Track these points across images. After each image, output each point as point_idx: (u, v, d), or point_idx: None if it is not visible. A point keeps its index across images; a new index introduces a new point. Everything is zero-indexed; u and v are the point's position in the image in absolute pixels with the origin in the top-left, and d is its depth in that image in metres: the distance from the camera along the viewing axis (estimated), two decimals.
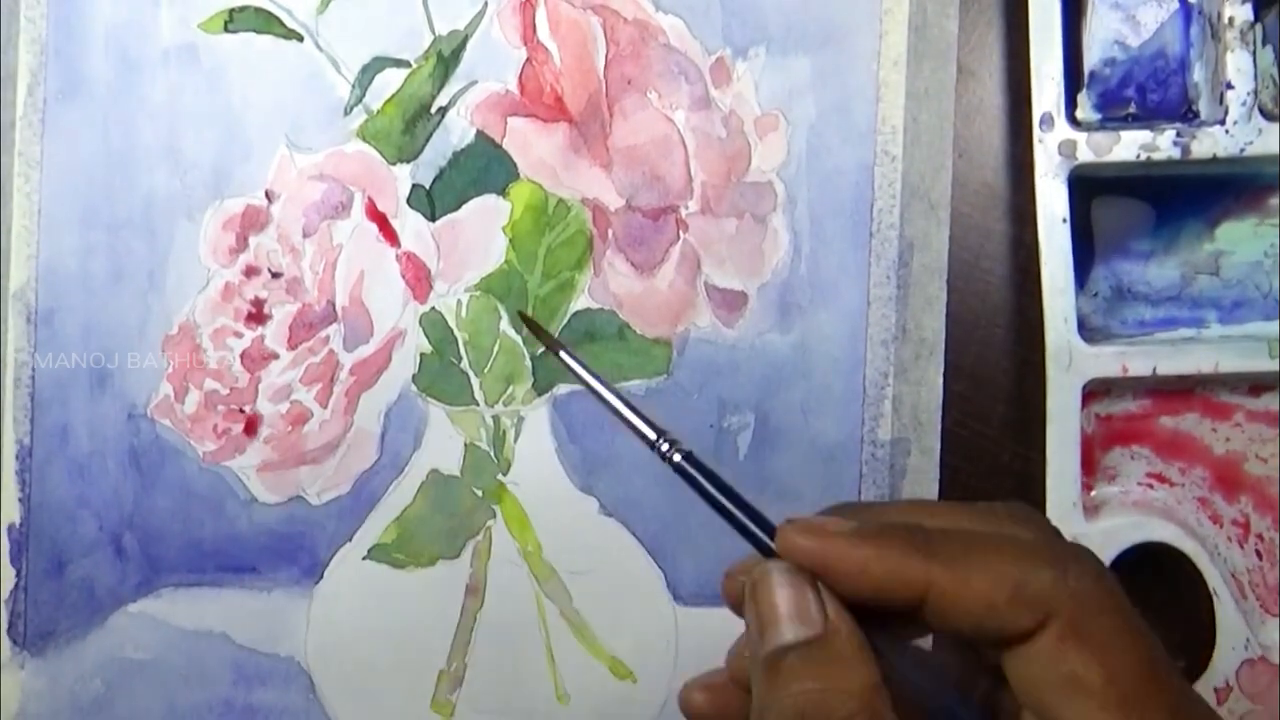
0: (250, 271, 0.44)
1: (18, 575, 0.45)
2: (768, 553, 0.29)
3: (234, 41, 0.45)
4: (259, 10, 0.44)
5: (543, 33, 0.43)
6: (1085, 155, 0.39)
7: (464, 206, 0.43)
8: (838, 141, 0.42)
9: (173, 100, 0.45)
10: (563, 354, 0.32)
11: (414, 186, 0.43)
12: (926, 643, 0.32)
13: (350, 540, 0.44)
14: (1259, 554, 0.41)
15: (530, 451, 0.43)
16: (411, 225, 0.44)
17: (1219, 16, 0.39)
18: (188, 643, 0.44)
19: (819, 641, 0.27)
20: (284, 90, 0.44)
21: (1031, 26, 0.40)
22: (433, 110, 0.43)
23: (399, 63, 0.44)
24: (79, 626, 0.45)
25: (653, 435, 0.31)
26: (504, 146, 0.43)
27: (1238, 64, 0.39)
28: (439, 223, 0.43)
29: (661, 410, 0.42)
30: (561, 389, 0.43)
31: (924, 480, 0.41)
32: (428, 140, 0.43)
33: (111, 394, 0.45)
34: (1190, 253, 0.42)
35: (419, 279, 0.44)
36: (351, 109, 0.44)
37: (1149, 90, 0.40)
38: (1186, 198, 0.41)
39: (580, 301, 0.43)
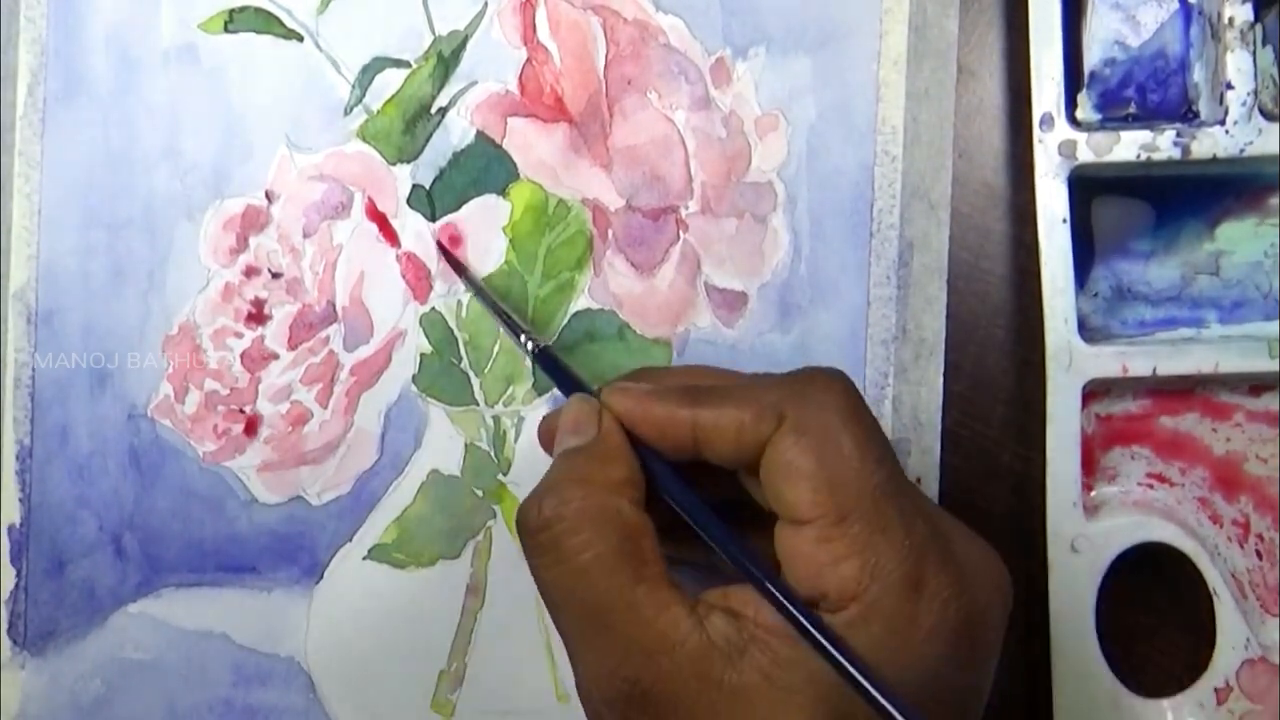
0: (250, 272, 0.44)
1: (18, 575, 0.45)
2: None
3: (234, 41, 0.45)
4: (259, 10, 0.44)
5: (543, 33, 0.43)
6: (1085, 155, 0.39)
7: (464, 207, 0.43)
8: (838, 141, 0.42)
9: (173, 100, 0.45)
10: (466, 276, 0.42)
11: (414, 187, 0.43)
12: None
13: (350, 540, 0.44)
14: (1259, 554, 0.41)
15: (530, 451, 0.43)
16: (411, 225, 0.44)
17: (1219, 16, 0.39)
18: (188, 643, 0.45)
19: (590, 444, 0.34)
20: (284, 90, 0.44)
21: (1031, 26, 0.40)
22: (433, 110, 0.43)
23: (399, 63, 0.44)
24: (79, 626, 0.45)
25: (523, 330, 0.39)
26: (504, 147, 0.43)
27: (1238, 64, 0.39)
28: (439, 223, 0.43)
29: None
30: None
31: (924, 480, 0.41)
32: (428, 140, 0.43)
33: (111, 394, 0.45)
34: (1190, 253, 0.42)
35: (419, 279, 0.44)
36: (351, 109, 0.44)
37: (1149, 90, 0.40)
38: (1186, 198, 0.41)
39: (580, 301, 0.43)
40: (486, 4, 0.43)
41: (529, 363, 0.43)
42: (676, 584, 0.32)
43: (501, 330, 0.42)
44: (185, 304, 0.45)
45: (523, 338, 0.39)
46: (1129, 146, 0.39)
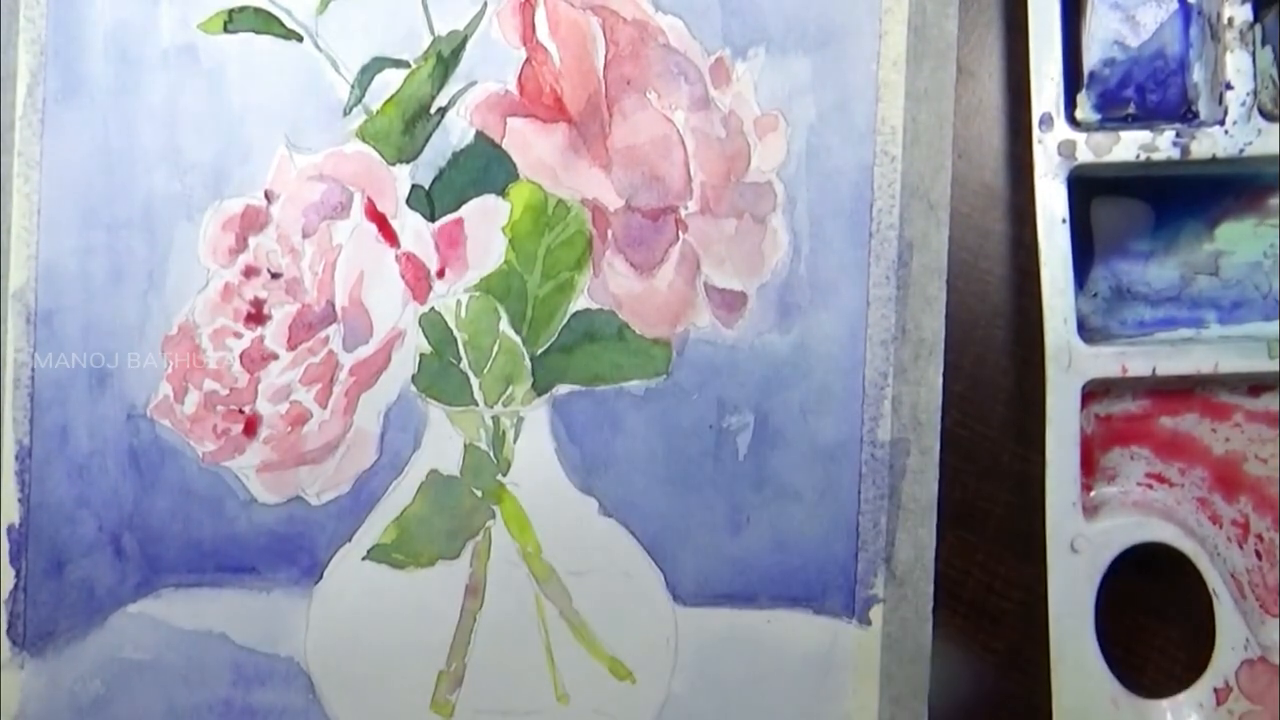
0: (250, 272, 0.44)
1: (17, 575, 0.45)
2: None
3: (234, 42, 0.45)
4: (259, 10, 0.44)
5: (542, 33, 0.43)
6: (1085, 155, 0.39)
7: (463, 206, 0.43)
8: (837, 141, 0.42)
9: (172, 100, 0.45)
10: None
11: (413, 187, 0.43)
12: None
13: (350, 540, 0.44)
14: (1259, 554, 0.41)
15: (530, 452, 0.43)
16: (411, 225, 0.44)
17: (1218, 17, 0.39)
18: (187, 643, 0.45)
19: None
20: (283, 90, 0.44)
21: (1031, 26, 0.40)
22: (432, 110, 0.43)
23: (399, 63, 0.44)
24: (79, 627, 0.45)
25: None
26: (503, 147, 0.43)
27: (1237, 64, 0.39)
28: (438, 223, 0.43)
29: (661, 411, 0.42)
30: (561, 389, 0.43)
31: (923, 480, 0.41)
32: (427, 140, 0.43)
33: (111, 394, 0.45)
34: (1190, 253, 0.42)
35: (418, 279, 0.44)
36: (351, 109, 0.44)
37: (1148, 90, 0.40)
38: (1186, 198, 0.41)
39: (580, 302, 0.43)
40: (486, 4, 0.43)
41: (528, 363, 0.43)
42: None
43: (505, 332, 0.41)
44: (185, 304, 0.45)
45: None
46: (1128, 146, 0.39)
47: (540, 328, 0.43)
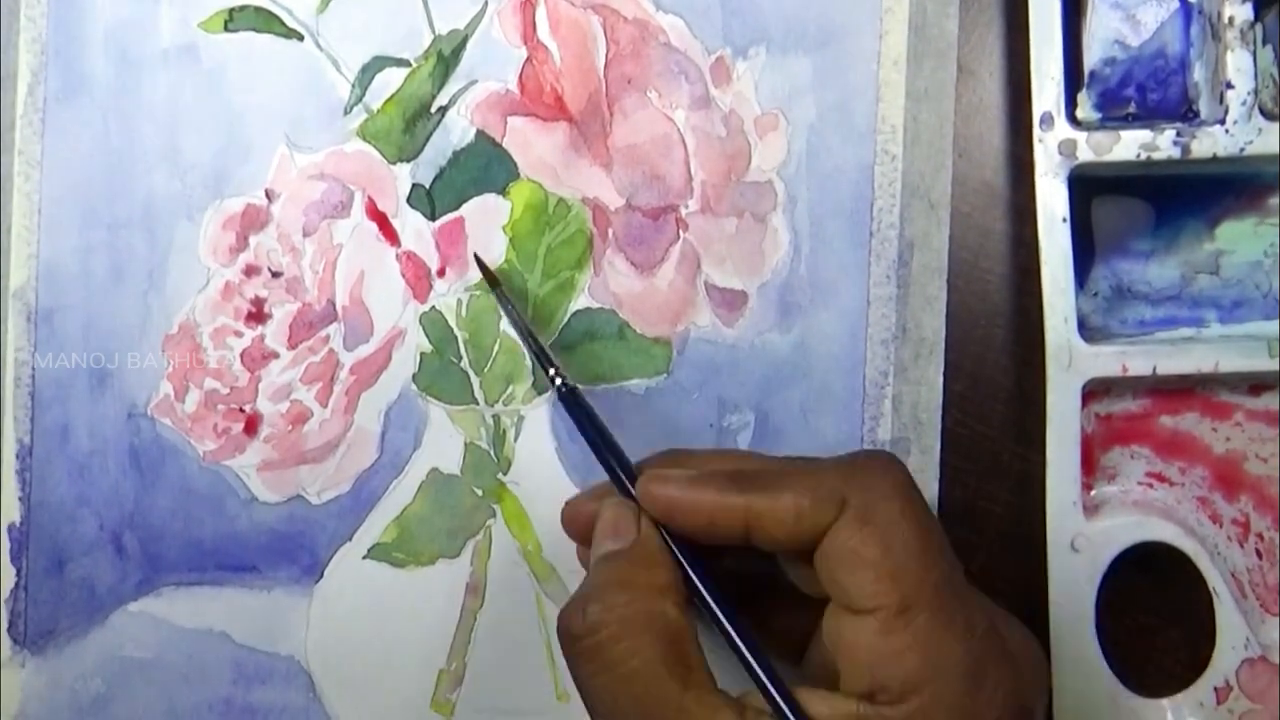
0: (250, 271, 0.44)
1: (18, 574, 0.45)
2: (629, 493, 0.36)
3: (234, 41, 0.45)
4: (259, 10, 0.44)
5: (543, 32, 0.43)
6: (1085, 155, 0.39)
7: (464, 206, 0.43)
8: (838, 141, 0.42)
9: (173, 100, 0.45)
10: (496, 292, 0.41)
11: (414, 186, 0.44)
12: None
13: (350, 539, 0.44)
14: (1259, 553, 0.41)
15: (530, 451, 0.43)
16: (411, 224, 0.44)
17: (1219, 16, 0.39)
18: (188, 642, 0.45)
19: (630, 547, 0.34)
20: (284, 90, 0.44)
21: (1031, 26, 0.40)
22: (433, 110, 0.43)
23: (399, 62, 0.44)
24: (79, 625, 0.45)
25: (552, 370, 0.39)
26: (504, 146, 0.43)
27: (1238, 64, 0.39)
28: (439, 222, 0.43)
29: (661, 410, 0.42)
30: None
31: (923, 480, 0.41)
32: (428, 140, 0.43)
33: (111, 393, 0.45)
34: (1190, 252, 0.42)
35: (419, 278, 0.44)
36: (351, 108, 0.44)
37: (1149, 90, 0.40)
38: (1186, 197, 0.41)
39: (580, 301, 0.43)
40: (486, 3, 0.43)
41: (529, 362, 0.43)
42: (721, 689, 0.32)
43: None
44: (185, 303, 0.45)
45: (552, 373, 0.39)
46: (1129, 146, 0.39)
47: (541, 327, 0.43)
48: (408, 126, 0.44)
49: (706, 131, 0.42)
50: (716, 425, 0.42)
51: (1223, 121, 0.39)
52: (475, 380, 0.43)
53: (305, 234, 0.44)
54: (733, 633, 0.33)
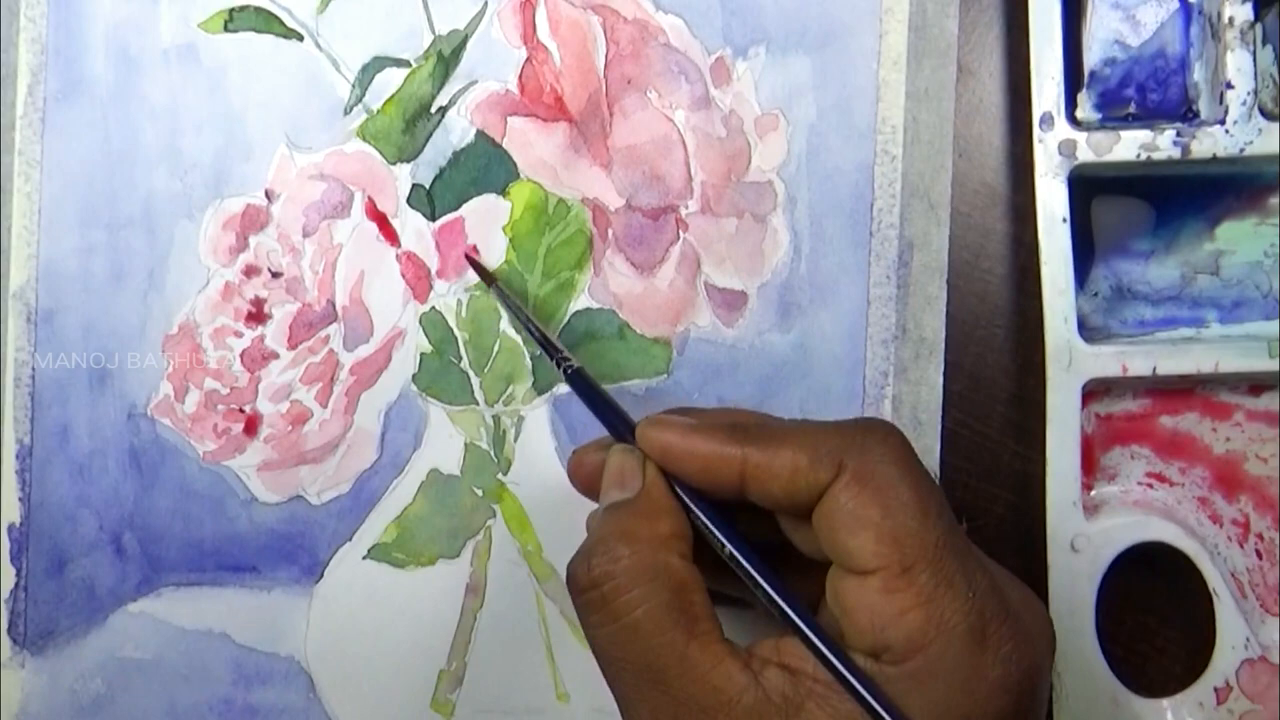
0: (250, 271, 0.44)
1: (18, 575, 0.45)
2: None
3: (234, 41, 0.45)
4: (259, 10, 0.44)
5: (543, 32, 0.43)
6: (1085, 155, 0.39)
7: (464, 206, 0.43)
8: (838, 141, 0.42)
9: (173, 100, 0.45)
10: (497, 289, 0.42)
11: (414, 186, 0.43)
12: None
13: (350, 540, 0.44)
14: (1259, 554, 0.41)
15: (530, 451, 0.43)
16: (411, 225, 0.44)
17: (1219, 16, 0.39)
18: (188, 642, 0.45)
19: (636, 498, 0.34)
20: (284, 90, 0.44)
21: (1031, 26, 0.40)
22: (433, 110, 0.43)
23: (399, 62, 0.44)
24: (79, 626, 0.45)
25: (557, 350, 0.39)
26: (504, 146, 0.43)
27: (1238, 64, 0.39)
28: (439, 222, 0.43)
29: (662, 409, 0.42)
30: (561, 389, 0.43)
31: None
32: (428, 140, 0.43)
33: (111, 394, 0.45)
34: (1190, 252, 0.42)
35: (419, 278, 0.44)
36: (351, 109, 0.44)
37: (1149, 90, 0.40)
38: (1186, 197, 0.41)
39: (580, 301, 0.43)
40: (486, 3, 0.43)
41: (529, 362, 0.43)
42: (728, 639, 0.32)
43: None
44: (185, 303, 0.45)
45: (556, 357, 0.39)
46: (1129, 146, 0.39)
47: (541, 327, 0.43)
48: (408, 127, 0.44)
49: (706, 132, 0.42)
50: None
51: (1223, 121, 0.39)
52: (475, 380, 0.43)
53: (305, 234, 0.44)
54: (748, 566, 0.32)
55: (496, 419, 0.43)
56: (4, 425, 0.45)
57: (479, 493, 0.43)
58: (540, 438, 0.43)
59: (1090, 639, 0.40)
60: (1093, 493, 0.41)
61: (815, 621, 0.31)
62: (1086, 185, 0.41)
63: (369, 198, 0.44)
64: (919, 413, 0.41)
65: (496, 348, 0.43)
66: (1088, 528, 0.40)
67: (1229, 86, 0.39)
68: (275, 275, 0.44)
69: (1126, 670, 0.40)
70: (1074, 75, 0.40)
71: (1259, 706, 0.40)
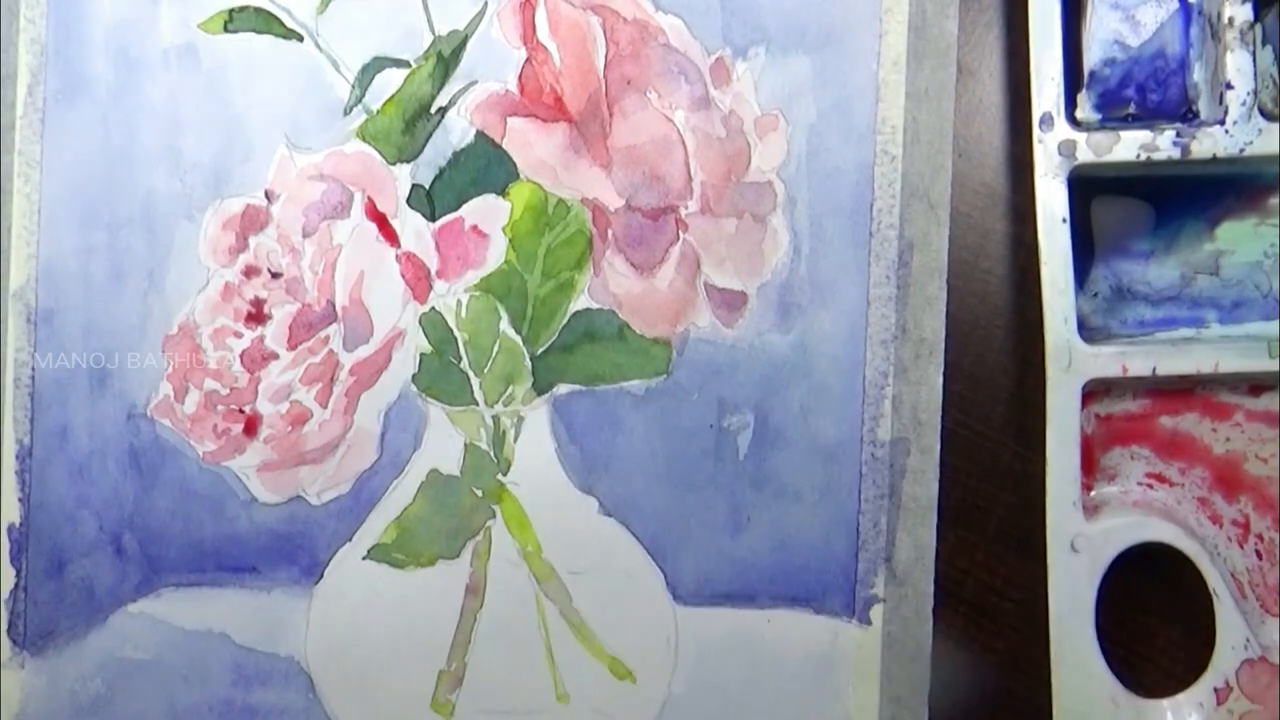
0: (250, 271, 0.44)
1: (18, 575, 0.45)
2: None
3: (234, 41, 0.45)
4: (259, 10, 0.44)
5: (543, 33, 0.43)
6: (1085, 155, 0.39)
7: (464, 206, 0.43)
8: (838, 141, 0.42)
9: (173, 100, 0.45)
10: None
11: (414, 186, 0.44)
12: None
13: (350, 540, 0.44)
14: (1259, 554, 0.41)
15: (530, 451, 0.43)
16: (411, 225, 0.44)
17: (1219, 16, 0.39)
18: (188, 643, 0.45)
19: None
20: (284, 90, 0.44)
21: (1031, 26, 0.40)
22: (433, 110, 0.43)
23: (399, 63, 0.44)
24: (79, 626, 0.45)
25: None
26: (504, 146, 0.43)
27: (1238, 64, 0.39)
28: (438, 222, 0.43)
29: (661, 410, 0.42)
30: (561, 389, 0.43)
31: (924, 480, 0.41)
32: (427, 140, 0.43)
33: (111, 394, 0.45)
34: (1190, 253, 0.42)
35: (419, 279, 0.44)
36: (351, 109, 0.44)
37: (1149, 90, 0.40)
38: (1186, 198, 0.41)
39: (580, 301, 0.43)
40: (486, 4, 0.43)
41: (529, 362, 0.43)
42: None
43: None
44: (185, 303, 0.45)
45: None
46: (1129, 146, 0.39)
47: (540, 327, 0.43)
48: (407, 127, 0.44)
49: (706, 132, 0.42)
50: (716, 426, 0.42)
51: (1222, 122, 0.39)
52: (475, 381, 0.43)
53: (305, 235, 0.44)
54: None
55: (496, 419, 0.43)
56: (4, 425, 0.45)
57: (479, 493, 0.43)
58: (540, 438, 0.43)
59: (1090, 639, 0.40)
60: (1093, 493, 0.41)
61: None
62: (1086, 185, 0.41)
63: (369, 198, 0.44)
64: (919, 413, 0.41)
65: (496, 348, 0.43)
66: (1088, 528, 0.40)
67: (1229, 87, 0.39)
68: (275, 275, 0.44)
69: (1126, 670, 0.40)
70: (1074, 75, 0.40)
71: (1259, 707, 0.40)
